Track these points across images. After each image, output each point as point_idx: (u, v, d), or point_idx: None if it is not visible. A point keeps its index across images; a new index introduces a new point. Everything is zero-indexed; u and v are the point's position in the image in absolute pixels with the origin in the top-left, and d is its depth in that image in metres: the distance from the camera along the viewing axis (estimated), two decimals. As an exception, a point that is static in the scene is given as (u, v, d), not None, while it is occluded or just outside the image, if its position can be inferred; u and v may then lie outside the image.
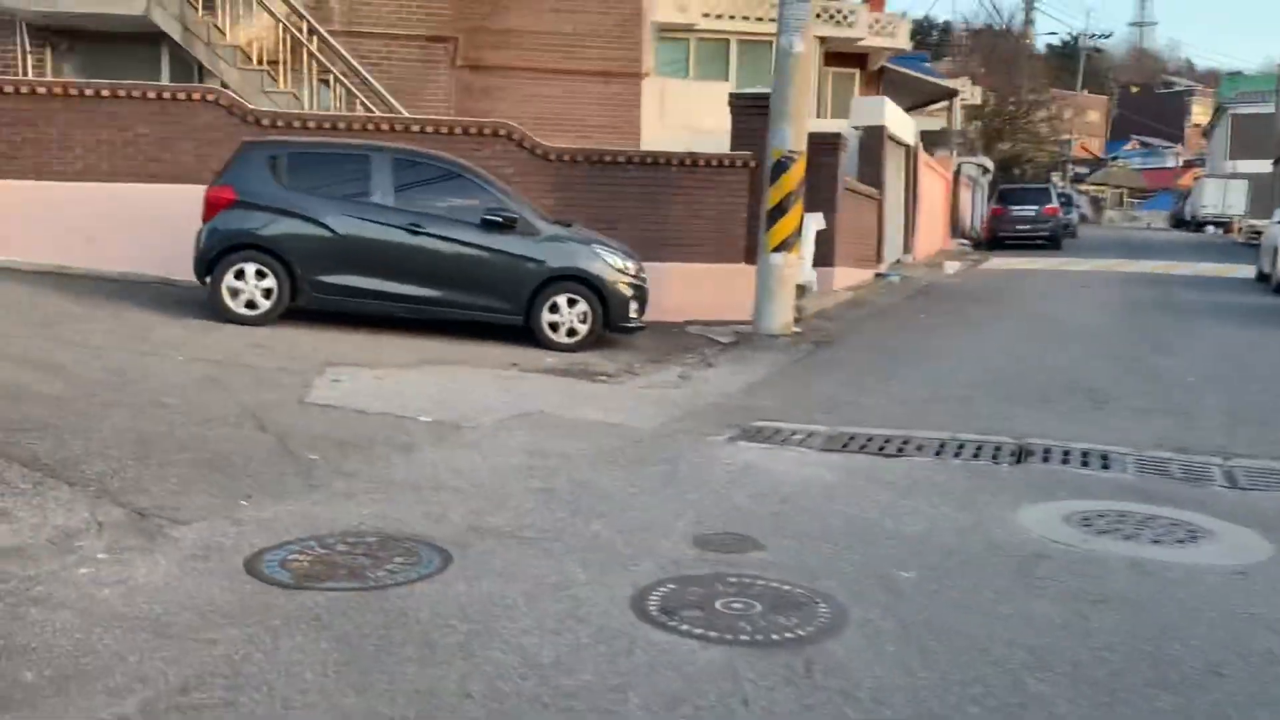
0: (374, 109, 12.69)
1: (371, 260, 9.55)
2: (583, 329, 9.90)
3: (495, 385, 8.16)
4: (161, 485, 5.11)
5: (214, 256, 9.41)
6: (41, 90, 11.11)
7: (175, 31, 11.99)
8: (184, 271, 9.84)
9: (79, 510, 4.67)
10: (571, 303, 9.88)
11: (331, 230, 9.52)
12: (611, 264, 10.03)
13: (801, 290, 12.15)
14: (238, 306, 9.41)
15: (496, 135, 11.80)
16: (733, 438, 6.93)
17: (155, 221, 10.92)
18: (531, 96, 15.21)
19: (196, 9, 12.14)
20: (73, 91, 11.16)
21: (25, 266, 10.92)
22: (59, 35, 12.60)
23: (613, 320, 10.02)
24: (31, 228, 11.09)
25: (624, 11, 15.85)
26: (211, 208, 9.54)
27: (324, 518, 4.84)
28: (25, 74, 12.38)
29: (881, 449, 6.76)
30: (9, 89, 11.03)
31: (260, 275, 9.43)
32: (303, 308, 9.66)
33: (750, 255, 12.06)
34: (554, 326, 9.89)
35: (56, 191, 11.17)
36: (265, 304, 9.45)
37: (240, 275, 9.41)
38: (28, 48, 12.45)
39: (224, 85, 11.92)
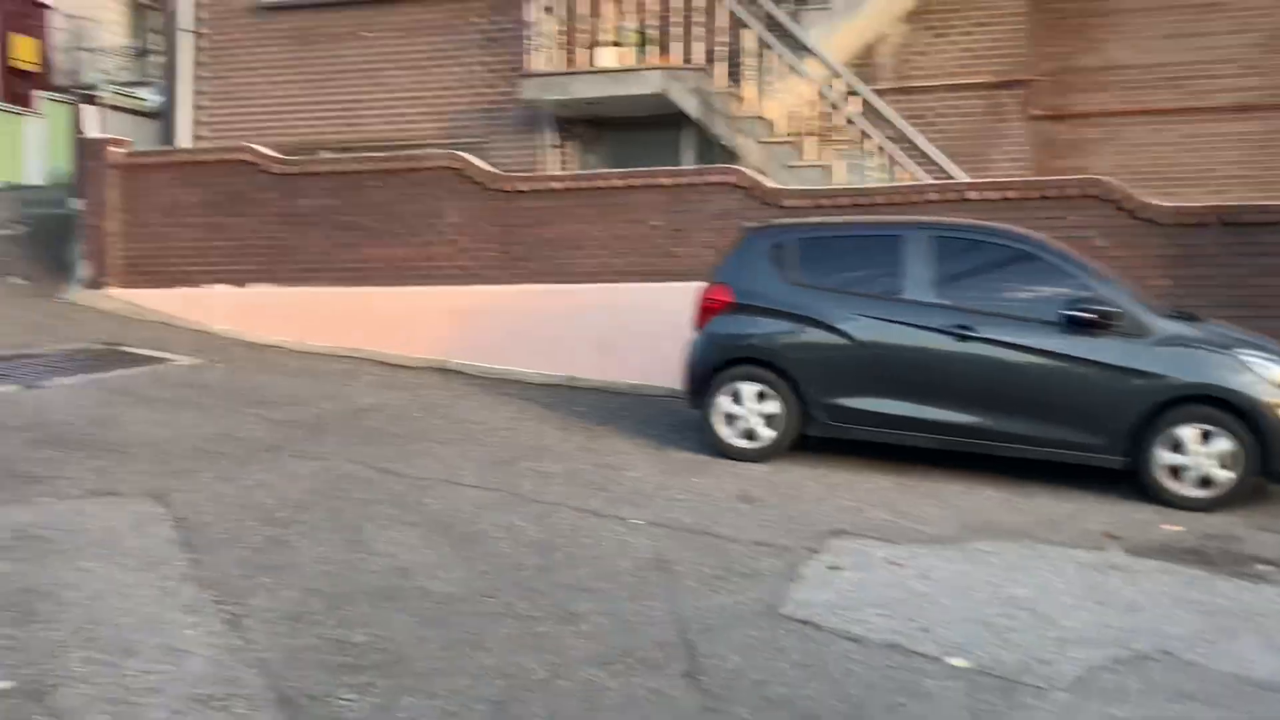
0: (924, 177, 10.26)
1: (902, 376, 7.06)
2: (1224, 477, 6.53)
3: (1079, 581, 5.21)
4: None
5: (705, 373, 7.50)
6: (556, 185, 10.17)
7: (692, 107, 10.53)
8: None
9: None
10: (1205, 437, 6.56)
11: (850, 338, 7.18)
12: (1270, 377, 6.56)
13: None
14: (733, 437, 7.39)
15: (1084, 196, 8.78)
16: None
17: (665, 325, 9.37)
18: (1135, 146, 11.82)
19: (713, 78, 10.61)
20: (584, 184, 10.08)
21: (534, 379, 9.94)
22: (583, 125, 11.79)
23: (1276, 464, 6.52)
24: (544, 336, 10.12)
25: (1269, 27, 11.88)
26: (705, 312, 7.68)
27: None
28: (550, 169, 11.71)
29: None
30: (524, 187, 10.22)
31: (761, 397, 7.35)
32: (815, 438, 7.43)
33: None
34: (1175, 472, 6.62)
35: (570, 295, 10.11)
36: (767, 434, 7.33)
37: (737, 397, 7.40)
38: (553, 141, 11.79)
39: (759, 169, 10.20)
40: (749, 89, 10.67)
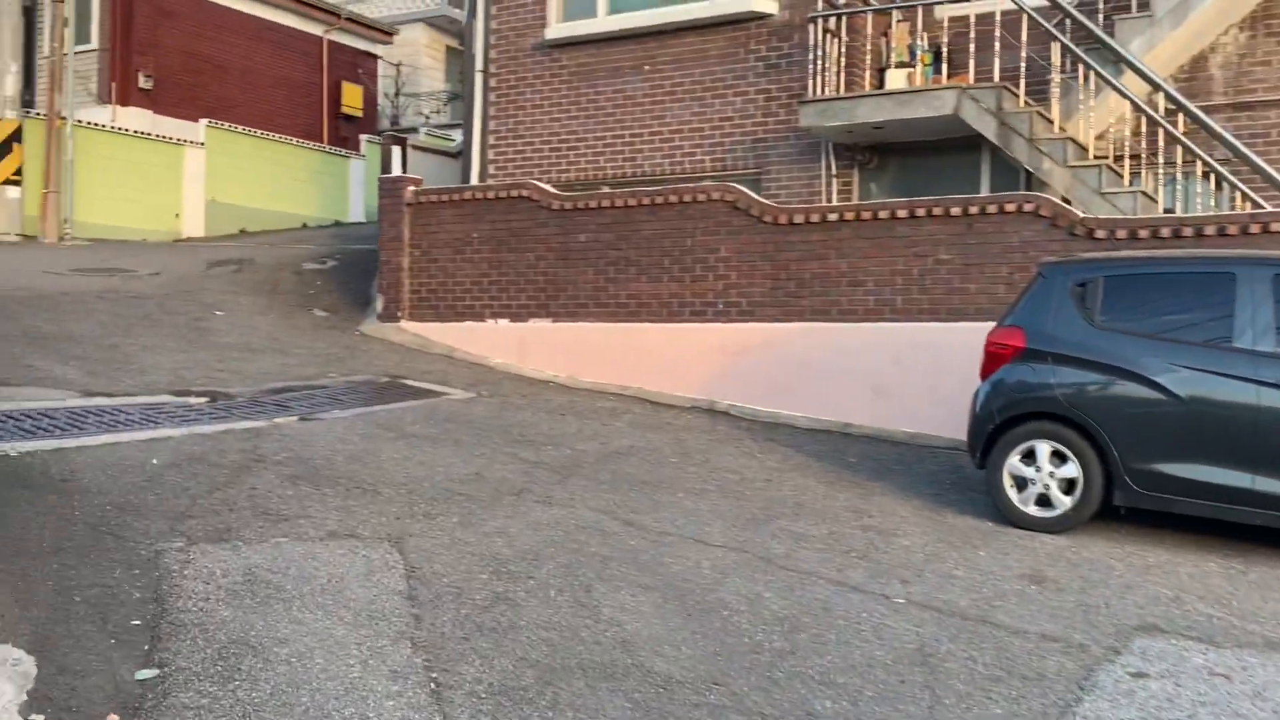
0: (1264, 204, 8.84)
1: (1234, 440, 5.91)
2: None
3: None
4: None
5: (992, 428, 6.62)
6: (833, 217, 9.52)
7: (989, 129, 9.57)
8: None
9: None
10: None
11: (1168, 392, 6.10)
12: None
13: None
14: (1024, 503, 6.46)
15: None
16: None
17: (952, 369, 8.57)
18: None
19: (1018, 97, 9.60)
20: (864, 215, 9.37)
21: (804, 423, 9.32)
22: (866, 152, 11.04)
23: None
24: (816, 378, 9.49)
25: None
26: (993, 358, 6.80)
27: None
28: (830, 199, 11.04)
29: None
30: (798, 219, 9.65)
31: (1058, 459, 6.39)
32: (1124, 508, 6.38)
33: None
34: None
35: (843, 335, 9.44)
36: (1065, 502, 6.35)
37: (1029, 457, 6.47)
38: (834, 170, 11.11)
39: (1065, 196, 9.15)
40: (1055, 108, 9.61)
